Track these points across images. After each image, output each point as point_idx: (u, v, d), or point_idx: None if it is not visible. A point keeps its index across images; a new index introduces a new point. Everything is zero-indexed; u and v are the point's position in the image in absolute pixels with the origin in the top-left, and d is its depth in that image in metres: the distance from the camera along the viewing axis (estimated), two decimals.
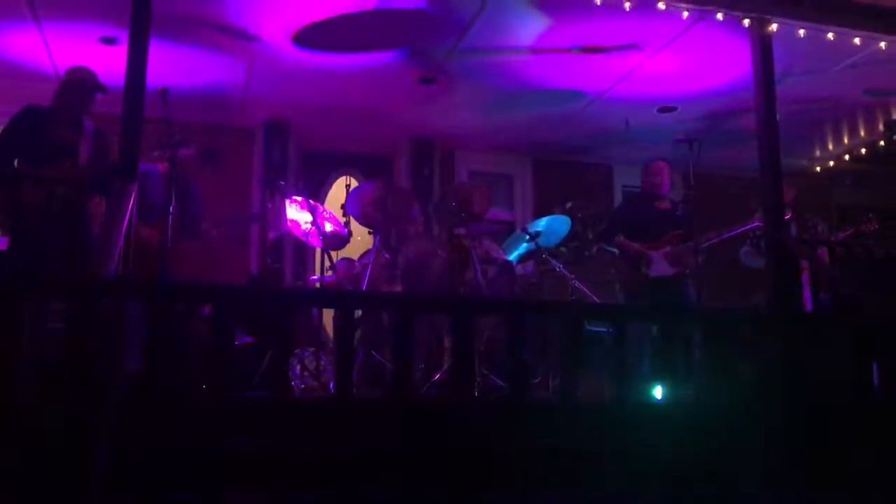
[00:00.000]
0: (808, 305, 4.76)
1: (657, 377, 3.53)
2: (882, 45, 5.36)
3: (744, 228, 5.49)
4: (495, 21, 5.29)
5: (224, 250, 6.45)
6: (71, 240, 3.49)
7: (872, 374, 3.41)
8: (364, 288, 5.16)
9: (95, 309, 2.40)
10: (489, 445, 2.58)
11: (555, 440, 2.62)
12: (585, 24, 5.32)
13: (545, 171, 8.15)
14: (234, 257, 6.81)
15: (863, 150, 7.50)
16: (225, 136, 7.07)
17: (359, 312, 5.08)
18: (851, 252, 4.73)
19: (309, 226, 5.29)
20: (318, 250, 5.38)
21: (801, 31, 5.15)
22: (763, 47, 4.95)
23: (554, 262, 5.70)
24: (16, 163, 4.19)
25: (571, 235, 6.12)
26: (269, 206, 5.59)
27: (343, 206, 5.61)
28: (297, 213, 5.45)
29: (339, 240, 5.54)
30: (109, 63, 4.76)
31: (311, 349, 5.32)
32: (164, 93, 4.39)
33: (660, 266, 5.44)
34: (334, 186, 7.65)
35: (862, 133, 7.28)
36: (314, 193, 6.87)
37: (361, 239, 6.29)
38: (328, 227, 5.41)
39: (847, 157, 7.72)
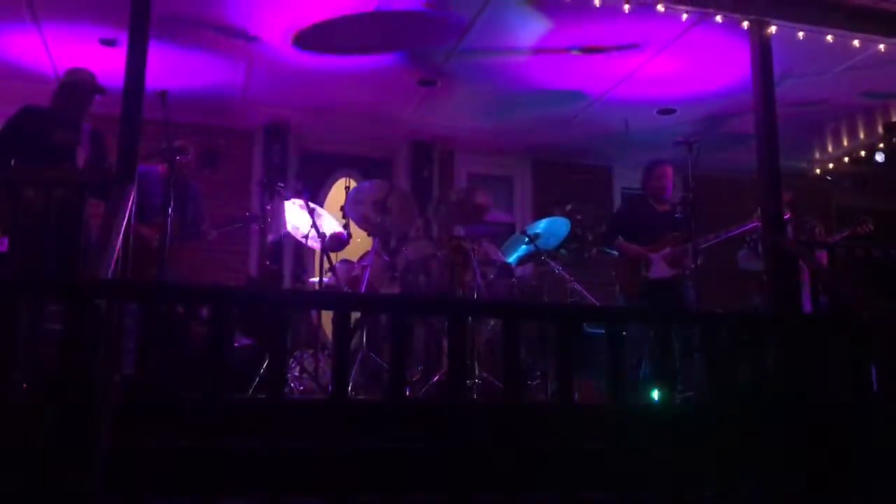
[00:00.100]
0: (807, 307, 4.76)
1: (656, 378, 3.53)
2: (881, 47, 5.37)
3: (742, 229, 5.49)
4: (495, 22, 5.30)
5: (223, 252, 6.47)
6: (69, 242, 3.49)
7: (871, 375, 3.41)
8: (363, 290, 5.16)
9: (92, 310, 2.40)
10: (486, 447, 2.57)
11: (551, 442, 2.62)
12: (585, 26, 5.33)
13: (545, 173, 8.15)
14: (233, 259, 6.82)
15: (862, 153, 7.50)
16: (224, 137, 7.09)
17: (358, 314, 5.09)
18: (851, 254, 4.73)
19: (308, 228, 5.28)
20: (318, 252, 5.38)
21: (801, 34, 5.15)
22: (762, 49, 4.95)
23: (553, 264, 5.69)
24: (13, 163, 4.20)
25: (571, 237, 6.12)
26: (269, 207, 5.58)
27: (342, 209, 5.61)
28: (296, 215, 5.45)
29: (339, 241, 5.54)
30: (109, 65, 4.77)
31: (310, 351, 5.33)
32: (163, 95, 4.39)
33: (659, 268, 5.44)
34: (334, 188, 7.64)
35: (861, 135, 7.28)
36: (313, 195, 6.86)
37: (361, 241, 6.29)
38: (327, 228, 5.40)
39: (846, 159, 7.73)
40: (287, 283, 6.87)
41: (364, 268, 5.35)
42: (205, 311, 3.95)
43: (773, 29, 4.98)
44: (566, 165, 8.14)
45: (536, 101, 6.63)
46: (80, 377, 2.38)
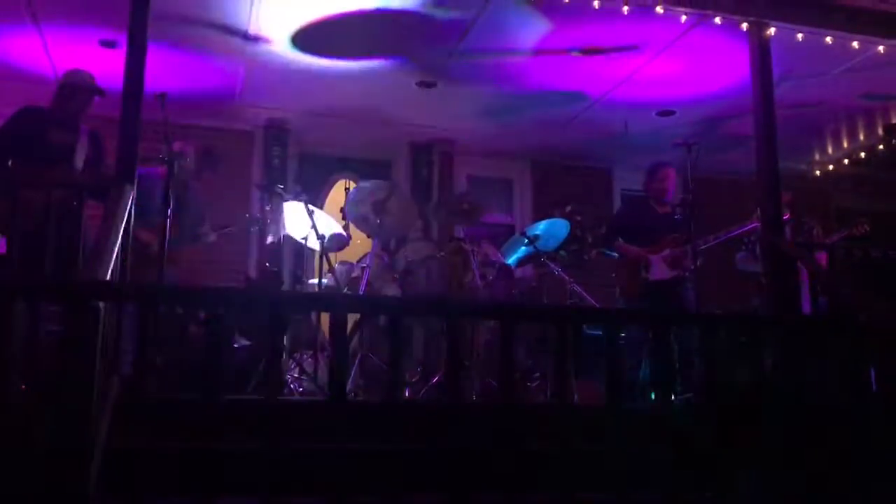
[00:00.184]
0: (806, 308, 4.76)
1: (655, 379, 3.54)
2: (881, 48, 5.37)
3: (742, 230, 5.50)
4: (494, 24, 5.30)
5: (223, 254, 6.47)
6: (67, 243, 3.49)
7: (870, 376, 3.41)
8: (362, 291, 5.16)
9: (90, 311, 2.40)
10: (484, 448, 2.57)
11: (549, 442, 2.62)
12: (584, 27, 5.33)
13: (544, 175, 8.15)
14: (232, 261, 6.82)
15: (862, 154, 7.50)
16: (224, 139, 7.08)
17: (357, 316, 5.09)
18: (849, 255, 4.73)
19: (307, 229, 5.28)
20: (317, 254, 5.38)
21: (800, 35, 5.15)
22: (761, 51, 4.95)
23: (553, 265, 5.70)
24: (10, 163, 4.21)
25: (570, 239, 6.13)
26: (268, 209, 5.59)
27: (342, 210, 5.61)
28: (295, 217, 5.45)
29: (339, 241, 5.54)
30: (109, 66, 4.77)
31: (310, 352, 5.33)
32: (162, 97, 4.39)
33: (659, 269, 5.44)
34: (333, 189, 7.65)
35: (861, 137, 7.28)
36: (313, 197, 6.87)
37: (361, 242, 6.30)
38: (327, 230, 5.40)
39: (846, 160, 7.73)
40: (287, 284, 6.86)
41: (364, 269, 5.35)
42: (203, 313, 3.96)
43: (772, 30, 4.99)
44: (566, 167, 8.14)
45: (536, 102, 6.64)
46: (78, 378, 2.38)
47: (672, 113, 6.79)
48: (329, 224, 5.52)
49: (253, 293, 4.30)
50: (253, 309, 4.03)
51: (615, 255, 5.72)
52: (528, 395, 5.19)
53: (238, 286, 6.36)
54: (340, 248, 5.65)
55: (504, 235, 7.03)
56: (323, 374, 4.97)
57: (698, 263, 5.11)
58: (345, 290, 5.33)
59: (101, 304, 2.51)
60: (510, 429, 2.58)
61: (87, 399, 2.39)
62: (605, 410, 2.76)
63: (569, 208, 6.56)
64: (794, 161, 7.38)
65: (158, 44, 4.67)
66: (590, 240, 6.50)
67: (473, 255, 5.24)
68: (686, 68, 5.96)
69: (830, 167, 7.87)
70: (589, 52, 5.72)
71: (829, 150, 7.66)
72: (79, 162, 4.57)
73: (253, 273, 6.87)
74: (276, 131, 7.31)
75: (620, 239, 5.65)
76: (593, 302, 5.67)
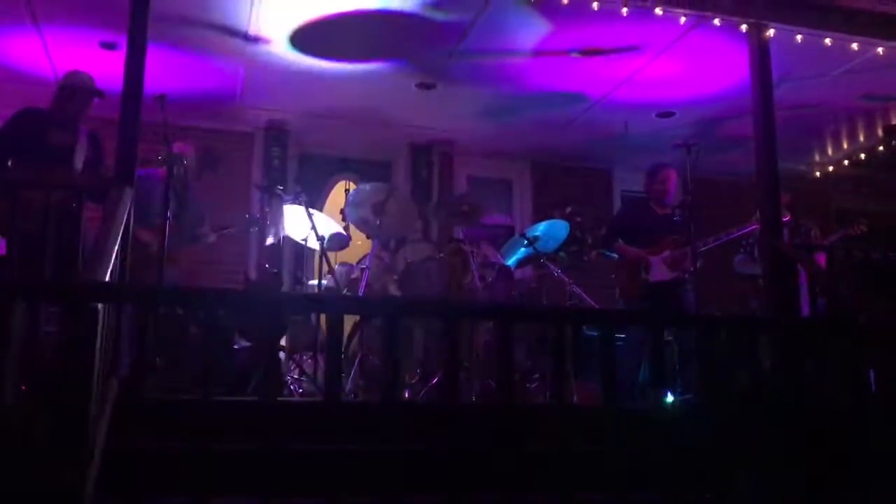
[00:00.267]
0: (805, 310, 4.76)
1: (654, 380, 3.54)
2: (880, 50, 5.37)
3: (742, 231, 5.50)
4: (494, 25, 5.31)
5: (223, 254, 6.48)
6: (66, 245, 3.50)
7: (869, 377, 3.42)
8: (362, 292, 5.17)
9: (89, 312, 2.41)
10: (481, 448, 2.58)
11: (546, 443, 2.62)
12: (583, 29, 5.33)
13: (544, 176, 8.16)
14: (232, 262, 6.83)
15: (862, 156, 7.50)
16: (224, 140, 7.10)
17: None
18: (849, 256, 4.74)
19: (307, 231, 5.29)
20: (317, 255, 5.38)
21: (799, 37, 5.16)
22: (760, 52, 4.96)
23: (552, 266, 5.70)
24: (10, 164, 4.22)
25: (570, 240, 6.13)
26: (268, 210, 5.59)
27: (342, 211, 5.62)
28: (295, 218, 5.45)
29: (340, 240, 5.54)
30: (110, 68, 4.77)
31: (310, 353, 5.33)
32: (161, 98, 4.40)
33: (659, 271, 5.45)
34: (333, 190, 7.66)
35: (861, 138, 7.29)
36: (313, 198, 6.87)
37: (361, 243, 6.30)
38: (326, 231, 5.41)
39: (846, 162, 7.73)
40: (287, 285, 6.87)
41: (363, 270, 5.36)
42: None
43: (771, 32, 4.99)
44: (566, 168, 8.14)
45: (536, 103, 6.64)
46: (77, 379, 2.38)
47: (672, 114, 6.80)
48: (329, 225, 5.53)
49: (251, 294, 4.30)
50: (252, 310, 4.03)
51: (615, 256, 5.72)
52: (527, 396, 5.19)
53: (237, 287, 6.37)
54: (342, 248, 5.66)
55: (504, 236, 7.05)
56: (323, 376, 4.98)
57: (698, 265, 5.11)
58: (344, 291, 5.33)
59: (100, 306, 2.51)
60: (508, 429, 2.58)
61: (87, 400, 2.40)
62: (602, 411, 2.76)
63: (569, 209, 6.56)
64: (794, 162, 7.38)
65: (158, 45, 4.68)
66: (590, 241, 6.51)
67: (473, 256, 5.24)
68: (685, 70, 5.96)
69: (830, 168, 7.87)
70: (588, 53, 5.72)
71: (829, 152, 7.67)
72: (78, 163, 4.58)
73: (253, 274, 6.88)
74: (276, 132, 7.32)
75: (620, 240, 5.65)
76: (593, 303, 5.67)
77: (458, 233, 5.80)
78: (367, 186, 5.62)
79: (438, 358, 5.11)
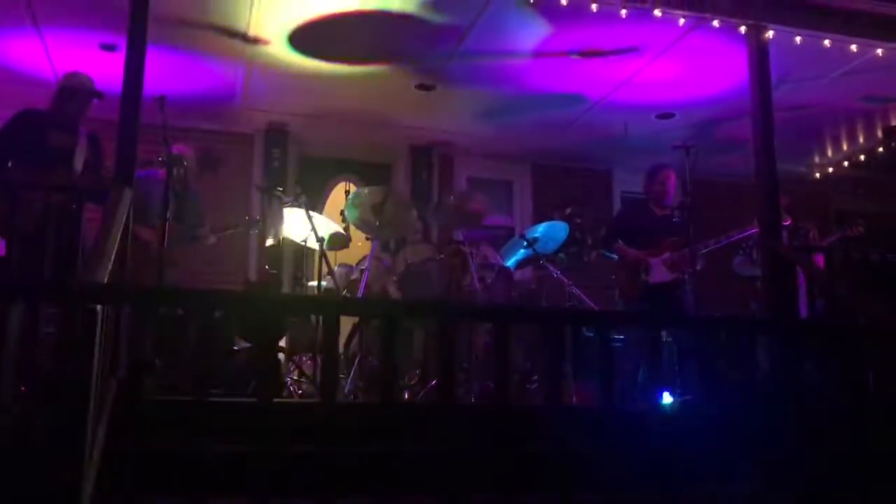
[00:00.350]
0: (804, 311, 4.76)
1: (653, 381, 3.55)
2: (879, 52, 5.37)
3: (742, 234, 5.49)
4: (493, 27, 5.31)
5: (223, 255, 6.48)
6: (66, 246, 3.51)
7: (868, 378, 3.42)
8: (361, 293, 5.17)
9: (88, 313, 2.41)
10: (477, 449, 2.58)
11: (543, 444, 2.63)
12: (583, 30, 5.34)
13: (544, 177, 8.16)
14: (232, 263, 6.84)
15: (862, 157, 7.51)
16: (224, 141, 7.11)
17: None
18: (848, 257, 4.74)
19: (307, 232, 5.29)
20: (317, 256, 5.39)
21: (798, 38, 5.16)
22: (759, 54, 4.96)
23: (552, 267, 5.70)
24: (10, 165, 4.23)
25: (570, 241, 6.13)
26: (268, 211, 5.60)
27: (342, 213, 5.62)
28: (295, 220, 5.46)
29: (340, 240, 5.55)
30: (110, 69, 4.78)
31: (309, 354, 5.34)
32: (161, 100, 4.41)
33: (659, 272, 5.45)
34: (333, 192, 7.66)
35: (861, 139, 7.29)
36: (313, 199, 6.88)
37: (361, 244, 6.31)
38: (326, 231, 5.41)
39: (846, 163, 7.73)
40: (286, 286, 6.88)
41: (363, 271, 5.36)
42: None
43: (770, 33, 4.99)
44: (566, 169, 8.15)
45: (535, 105, 6.65)
46: (76, 380, 2.39)
47: (671, 115, 6.80)
48: (329, 226, 5.53)
49: (250, 296, 4.31)
50: (250, 311, 4.03)
51: (615, 257, 5.73)
52: (527, 397, 5.20)
53: (237, 288, 6.38)
54: (342, 246, 5.66)
55: (504, 238, 7.05)
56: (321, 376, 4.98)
57: (698, 267, 5.12)
58: (344, 292, 5.34)
59: (99, 307, 2.51)
60: (506, 430, 2.58)
61: (86, 400, 2.40)
62: (600, 411, 2.76)
63: (569, 210, 6.57)
64: (794, 163, 7.38)
65: (158, 47, 4.69)
66: (589, 242, 6.51)
67: (472, 257, 5.24)
68: (685, 71, 5.97)
69: (830, 170, 7.87)
70: (588, 54, 5.73)
71: (829, 153, 7.67)
72: (78, 165, 4.59)
73: (252, 275, 6.89)
74: (276, 134, 7.33)
75: (620, 241, 5.66)
76: (592, 304, 5.68)
77: (458, 234, 5.81)
78: (364, 190, 5.64)
79: (438, 359, 5.12)
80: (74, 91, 4.69)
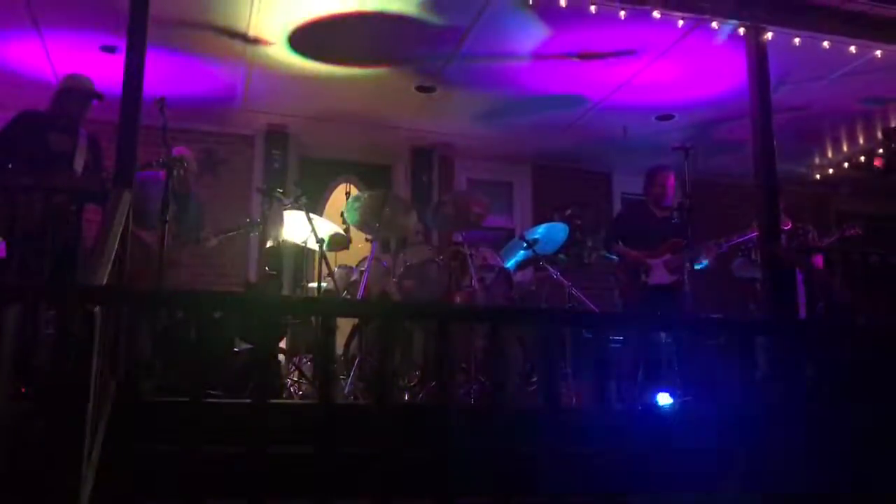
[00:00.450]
0: (803, 312, 4.77)
1: (651, 381, 3.56)
2: (878, 53, 5.38)
3: (743, 238, 5.48)
4: (492, 28, 5.33)
5: (223, 257, 6.49)
6: (66, 247, 3.52)
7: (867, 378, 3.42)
8: (361, 294, 5.17)
9: (87, 316, 2.42)
10: (476, 450, 2.58)
11: (539, 444, 2.63)
12: (582, 32, 5.35)
13: (544, 179, 8.17)
14: (232, 264, 6.84)
15: (861, 158, 7.51)
16: (225, 143, 7.12)
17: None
18: (847, 258, 4.74)
19: (307, 234, 5.30)
20: (317, 258, 5.39)
21: (797, 40, 5.17)
22: (758, 55, 4.97)
23: (551, 269, 5.70)
24: (10, 166, 4.24)
25: (570, 242, 6.13)
26: (268, 213, 5.60)
27: (342, 214, 5.63)
28: (295, 222, 5.46)
29: (340, 240, 5.55)
30: (110, 71, 4.79)
31: (309, 356, 5.34)
32: (161, 101, 4.41)
33: (659, 274, 5.46)
34: (334, 193, 7.67)
35: (861, 140, 7.29)
36: (314, 201, 6.88)
37: (362, 246, 6.31)
38: (326, 233, 5.42)
39: (846, 164, 7.73)
40: (286, 288, 6.88)
41: (363, 273, 5.36)
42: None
43: (769, 35, 5.00)
44: (565, 171, 8.15)
45: (535, 106, 6.66)
46: (75, 382, 2.39)
47: (671, 117, 6.81)
48: (329, 227, 5.54)
49: (250, 297, 4.32)
50: (250, 313, 4.04)
51: (614, 258, 5.73)
52: (526, 397, 5.20)
53: (238, 290, 6.39)
54: (343, 248, 5.66)
55: (504, 239, 7.05)
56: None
57: (697, 269, 5.12)
58: (343, 293, 5.34)
59: (98, 309, 2.52)
60: (500, 431, 2.59)
61: (85, 402, 2.41)
62: (597, 412, 2.77)
63: (568, 212, 6.56)
64: (794, 165, 7.39)
65: (158, 48, 4.70)
66: (589, 243, 6.51)
67: (472, 258, 5.24)
68: (684, 73, 5.97)
69: (830, 171, 7.88)
70: (587, 56, 5.74)
71: (829, 154, 7.67)
72: (78, 167, 4.60)
73: (252, 277, 6.89)
74: (277, 136, 7.33)
75: (620, 242, 5.66)
76: (592, 306, 5.68)
77: (458, 236, 5.81)
78: (363, 194, 5.65)
79: (437, 360, 5.12)
80: (73, 92, 4.69)
